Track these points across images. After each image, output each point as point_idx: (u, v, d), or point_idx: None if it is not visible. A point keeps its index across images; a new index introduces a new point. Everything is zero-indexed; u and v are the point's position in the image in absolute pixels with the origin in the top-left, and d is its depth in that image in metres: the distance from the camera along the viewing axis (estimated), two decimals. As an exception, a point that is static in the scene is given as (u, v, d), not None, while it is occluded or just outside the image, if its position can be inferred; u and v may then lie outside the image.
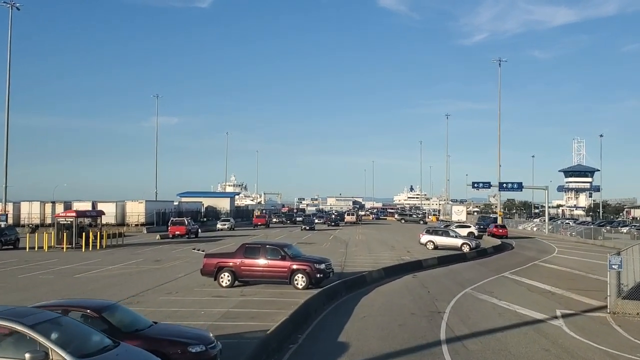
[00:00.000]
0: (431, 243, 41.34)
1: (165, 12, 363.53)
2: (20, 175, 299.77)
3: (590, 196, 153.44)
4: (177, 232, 51.56)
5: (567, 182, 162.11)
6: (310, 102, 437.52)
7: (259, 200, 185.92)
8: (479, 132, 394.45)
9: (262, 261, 21.38)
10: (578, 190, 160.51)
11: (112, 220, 66.04)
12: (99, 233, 42.43)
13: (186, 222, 53.19)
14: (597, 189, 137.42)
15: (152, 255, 35.49)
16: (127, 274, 26.11)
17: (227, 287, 21.37)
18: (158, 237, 52.42)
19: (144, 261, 32.08)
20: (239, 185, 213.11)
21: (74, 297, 18.87)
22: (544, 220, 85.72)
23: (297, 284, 20.98)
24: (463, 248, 39.39)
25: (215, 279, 21.75)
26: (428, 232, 43.42)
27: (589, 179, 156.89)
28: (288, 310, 15.85)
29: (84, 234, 40.46)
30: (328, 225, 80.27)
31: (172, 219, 56.55)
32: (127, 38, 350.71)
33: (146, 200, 70.49)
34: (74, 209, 59.67)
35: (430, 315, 16.44)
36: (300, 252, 22.98)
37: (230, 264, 21.71)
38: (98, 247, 40.93)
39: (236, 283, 21.76)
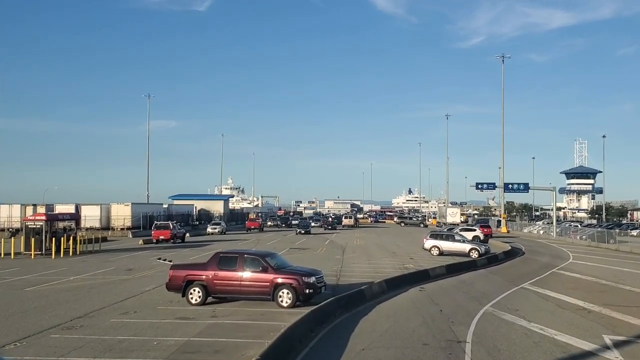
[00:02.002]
0: (436, 248, 37.79)
1: (164, 15, 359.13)
2: (17, 178, 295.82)
3: (593, 198, 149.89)
4: (161, 237, 47.93)
5: (568, 184, 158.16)
6: (308, 105, 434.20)
7: (256, 203, 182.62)
8: (477, 135, 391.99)
9: (239, 274, 17.69)
10: (580, 192, 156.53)
11: (97, 224, 62.59)
12: (72, 238, 38.77)
13: (171, 226, 49.49)
14: (600, 190, 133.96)
15: (125, 263, 31.87)
16: (88, 287, 22.48)
17: (197, 304, 17.73)
18: (140, 242, 48.76)
19: (114, 270, 28.46)
20: (236, 189, 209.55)
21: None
22: (548, 223, 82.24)
23: (282, 301, 17.33)
24: (471, 254, 35.81)
25: (183, 295, 18.10)
26: (432, 236, 39.77)
27: (591, 181, 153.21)
28: (266, 339, 12.30)
29: (54, 239, 36.87)
30: (325, 229, 76.91)
31: (155, 222, 52.85)
32: (125, 42, 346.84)
33: (132, 203, 66.80)
34: (57, 212, 56.12)
35: (448, 346, 12.80)
36: (286, 262, 19.29)
37: (202, 277, 18.05)
38: (71, 254, 37.39)
39: (209, 299, 18.16)
